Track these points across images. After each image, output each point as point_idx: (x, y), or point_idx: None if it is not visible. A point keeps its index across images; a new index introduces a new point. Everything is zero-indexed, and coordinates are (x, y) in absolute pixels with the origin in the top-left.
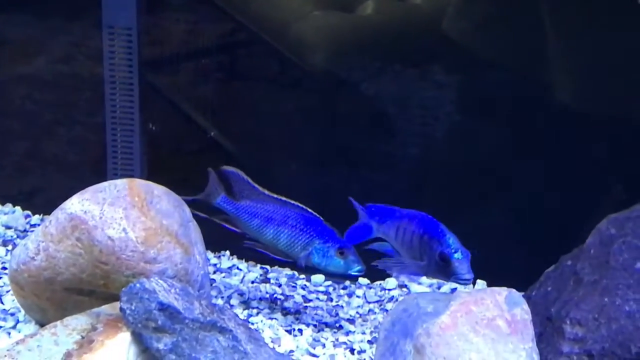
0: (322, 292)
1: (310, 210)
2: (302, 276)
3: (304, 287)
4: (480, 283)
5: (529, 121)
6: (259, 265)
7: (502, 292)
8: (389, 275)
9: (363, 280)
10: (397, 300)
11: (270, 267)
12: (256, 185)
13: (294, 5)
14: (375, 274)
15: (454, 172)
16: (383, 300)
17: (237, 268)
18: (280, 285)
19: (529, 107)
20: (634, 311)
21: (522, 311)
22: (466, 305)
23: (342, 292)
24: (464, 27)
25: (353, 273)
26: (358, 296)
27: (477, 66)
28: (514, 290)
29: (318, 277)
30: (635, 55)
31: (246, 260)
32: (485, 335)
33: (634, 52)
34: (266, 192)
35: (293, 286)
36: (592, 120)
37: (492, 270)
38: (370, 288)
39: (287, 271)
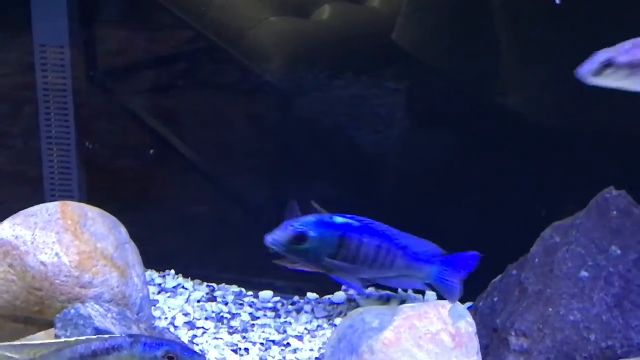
0: (270, 308)
1: None
2: (250, 293)
3: (251, 305)
4: (431, 295)
5: (480, 131)
6: (205, 284)
7: (446, 305)
8: (338, 289)
9: (312, 295)
10: (345, 315)
11: (217, 285)
12: None
13: (250, 13)
14: (323, 288)
15: (405, 180)
16: (332, 315)
17: (183, 287)
18: (227, 304)
19: (481, 117)
20: (579, 321)
21: (467, 324)
22: (410, 320)
23: (290, 307)
24: (414, 36)
25: None
26: (307, 312)
27: (428, 75)
28: (458, 302)
29: (266, 294)
30: None
31: (192, 279)
32: (430, 350)
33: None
34: None
35: (240, 304)
36: (544, 130)
37: None
38: (319, 303)
39: (235, 288)
